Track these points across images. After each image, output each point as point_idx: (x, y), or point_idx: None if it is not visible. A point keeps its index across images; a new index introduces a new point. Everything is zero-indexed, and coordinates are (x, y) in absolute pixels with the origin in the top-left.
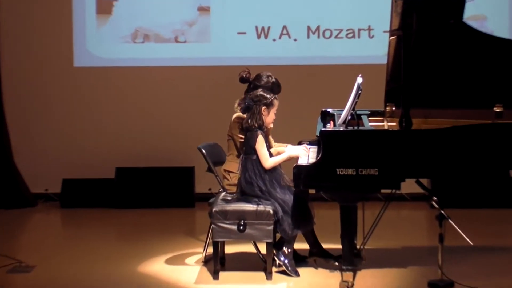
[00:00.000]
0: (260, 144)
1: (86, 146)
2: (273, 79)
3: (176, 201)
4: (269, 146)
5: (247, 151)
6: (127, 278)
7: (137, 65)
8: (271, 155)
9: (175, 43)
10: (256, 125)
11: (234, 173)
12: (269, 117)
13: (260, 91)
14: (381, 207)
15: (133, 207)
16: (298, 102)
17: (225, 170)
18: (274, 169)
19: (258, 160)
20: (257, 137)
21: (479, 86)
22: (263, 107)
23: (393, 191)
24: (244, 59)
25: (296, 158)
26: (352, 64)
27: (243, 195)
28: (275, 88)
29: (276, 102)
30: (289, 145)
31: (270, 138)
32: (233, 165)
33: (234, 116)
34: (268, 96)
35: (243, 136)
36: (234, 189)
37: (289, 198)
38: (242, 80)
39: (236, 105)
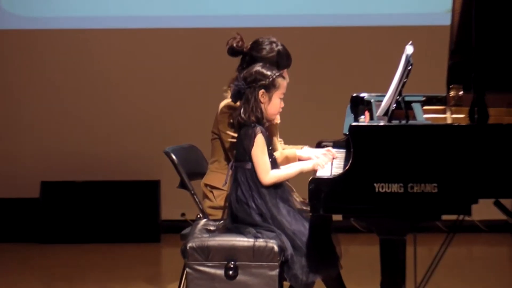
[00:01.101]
0: (260, 149)
1: None
2: (279, 46)
3: (134, 233)
4: (272, 150)
5: (239, 157)
6: None
7: (77, 28)
8: (275, 164)
9: None
10: (254, 119)
11: (220, 190)
12: (272, 106)
13: (257, 67)
14: (442, 241)
15: (69, 242)
16: (317, 83)
17: (206, 185)
18: (280, 183)
19: (254, 169)
20: (254, 136)
21: None
22: (261, 91)
23: (461, 217)
24: (239, 19)
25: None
26: (397, 26)
27: (234, 222)
28: (282, 60)
29: (281, 83)
30: (306, 147)
31: (276, 139)
32: (218, 177)
33: (223, 104)
34: (269, 73)
35: (235, 135)
36: (219, 214)
37: (302, 227)
38: (232, 51)
39: (225, 87)
